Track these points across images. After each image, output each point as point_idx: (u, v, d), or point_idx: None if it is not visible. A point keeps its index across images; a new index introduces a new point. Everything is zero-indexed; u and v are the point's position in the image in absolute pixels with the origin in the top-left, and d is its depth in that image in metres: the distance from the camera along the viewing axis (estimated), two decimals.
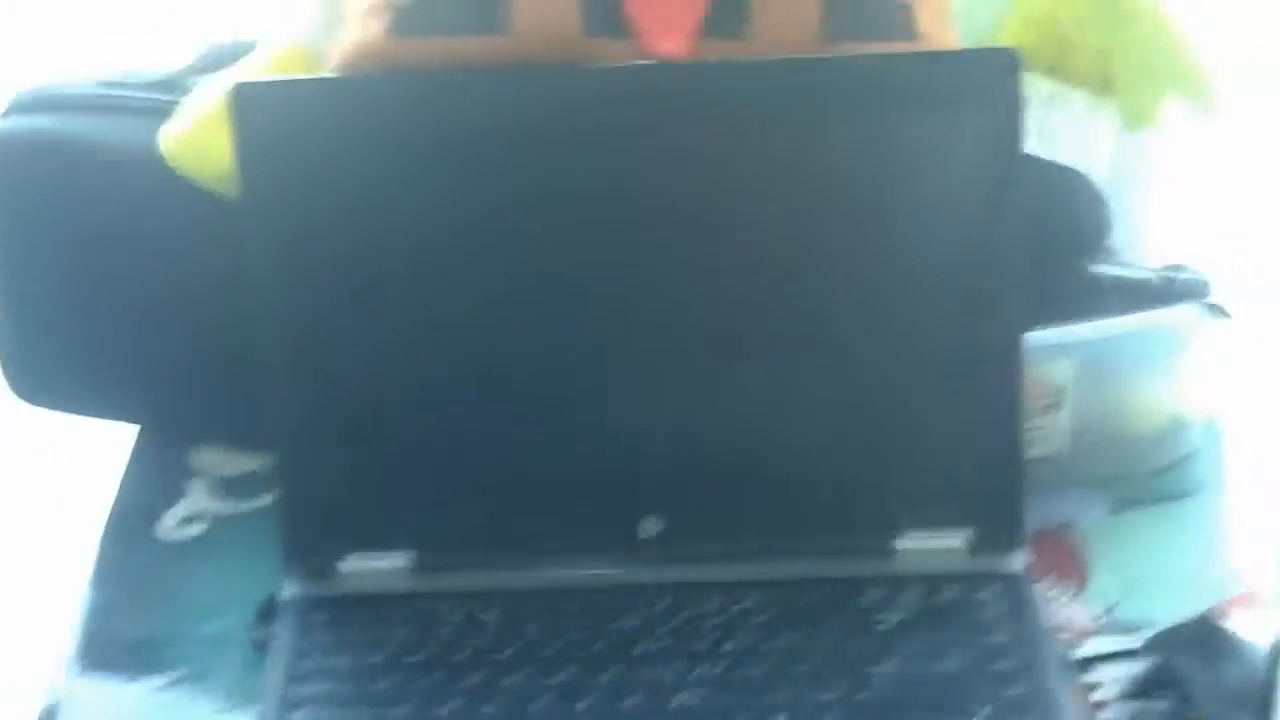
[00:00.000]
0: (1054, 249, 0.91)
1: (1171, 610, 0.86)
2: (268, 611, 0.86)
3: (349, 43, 0.85)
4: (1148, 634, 0.84)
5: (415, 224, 0.84)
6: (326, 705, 0.79)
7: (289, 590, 0.86)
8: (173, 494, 0.99)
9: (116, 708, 0.84)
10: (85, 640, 0.88)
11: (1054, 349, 0.89)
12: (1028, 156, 0.85)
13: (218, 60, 0.96)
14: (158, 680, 0.85)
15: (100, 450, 1.05)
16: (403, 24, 0.84)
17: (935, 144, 0.82)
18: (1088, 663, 0.83)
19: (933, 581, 0.84)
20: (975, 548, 0.85)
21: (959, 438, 0.85)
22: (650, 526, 0.86)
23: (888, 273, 0.84)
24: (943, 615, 0.82)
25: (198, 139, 0.88)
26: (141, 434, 1.03)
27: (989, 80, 0.81)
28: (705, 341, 0.85)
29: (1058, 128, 0.93)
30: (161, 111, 0.91)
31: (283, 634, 0.84)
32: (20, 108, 0.98)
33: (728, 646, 0.81)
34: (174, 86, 0.96)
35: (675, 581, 0.85)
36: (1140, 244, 0.99)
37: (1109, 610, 0.87)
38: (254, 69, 0.89)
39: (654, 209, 0.83)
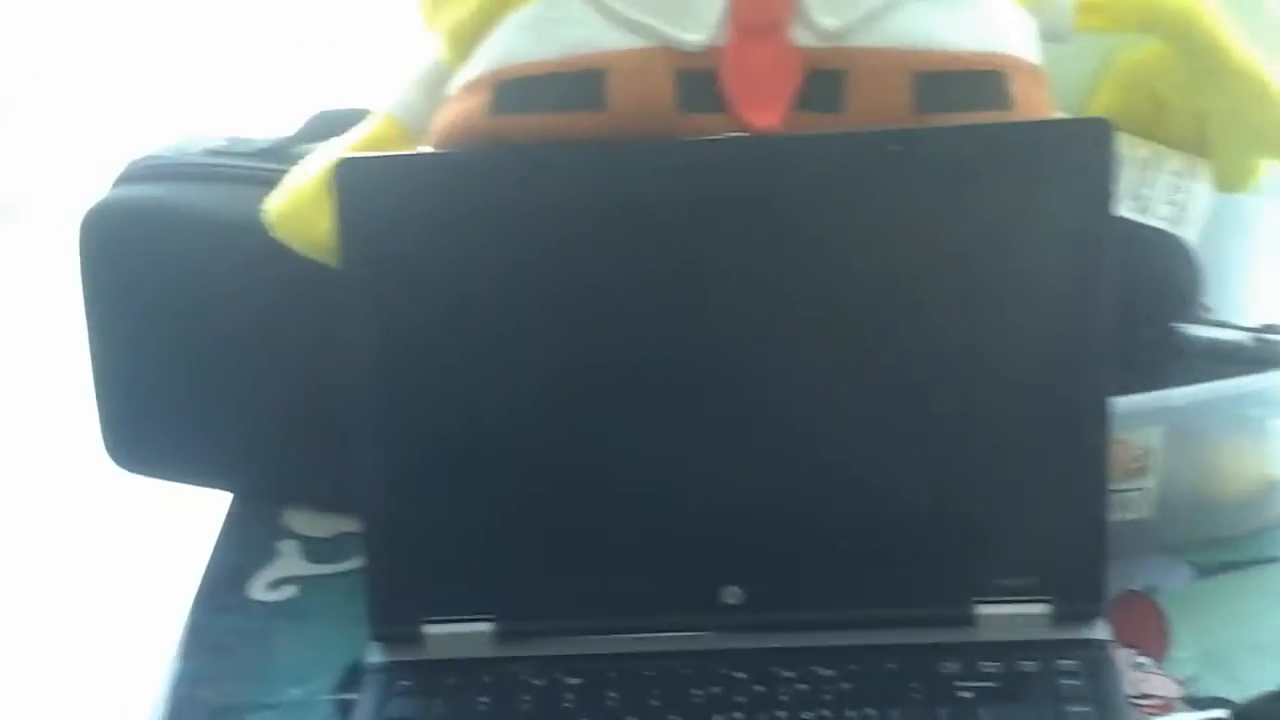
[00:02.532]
0: (1146, 311, 0.91)
1: (1255, 681, 0.84)
2: (352, 677, 0.87)
3: (449, 119, 0.87)
4: (1230, 706, 0.83)
5: (508, 297, 0.85)
6: None
7: (373, 656, 0.87)
8: (264, 557, 1.00)
9: None
10: (174, 706, 0.90)
11: (1144, 414, 0.88)
12: (1120, 218, 0.85)
13: (322, 130, 0.98)
14: None
15: (198, 519, 1.07)
16: (502, 102, 0.85)
17: (1027, 212, 0.82)
18: None
19: (1014, 650, 0.84)
20: (1057, 616, 0.85)
21: (1042, 504, 0.85)
22: (733, 594, 0.86)
23: (975, 339, 0.84)
24: (1022, 685, 0.82)
25: (300, 210, 0.90)
26: (235, 500, 1.05)
27: (1081, 149, 0.81)
28: (788, 410, 0.85)
29: (1152, 189, 0.92)
30: (267, 181, 0.93)
31: (366, 700, 0.85)
32: (130, 177, 1.01)
33: (806, 716, 0.81)
34: (280, 155, 0.98)
35: (755, 649, 0.85)
36: (1235, 306, 0.98)
37: (1191, 680, 0.86)
38: (353, 143, 0.91)
39: (744, 279, 0.84)
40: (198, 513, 1.06)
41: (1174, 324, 0.93)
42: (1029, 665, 0.83)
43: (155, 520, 1.44)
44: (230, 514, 1.04)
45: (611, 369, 0.86)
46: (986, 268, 0.83)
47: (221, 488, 1.06)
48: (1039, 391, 0.84)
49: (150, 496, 1.10)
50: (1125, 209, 0.91)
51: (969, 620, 0.85)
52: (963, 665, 0.83)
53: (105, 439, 1.04)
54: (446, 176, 0.86)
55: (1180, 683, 0.86)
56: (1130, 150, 0.92)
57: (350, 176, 0.84)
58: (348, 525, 0.99)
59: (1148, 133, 0.95)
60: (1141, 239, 0.92)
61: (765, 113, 0.84)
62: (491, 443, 0.87)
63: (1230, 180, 0.95)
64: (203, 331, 0.99)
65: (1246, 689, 0.83)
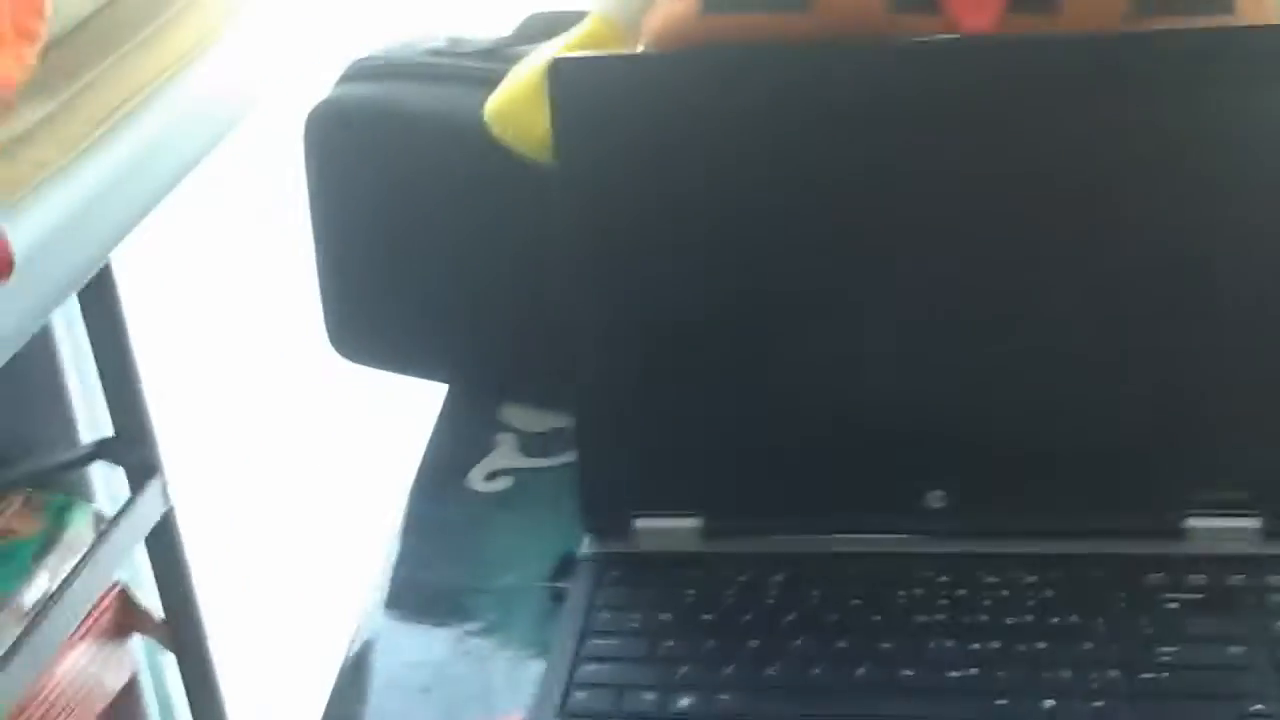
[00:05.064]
0: None
1: None
2: (564, 567, 0.90)
3: (660, 20, 0.88)
4: None
5: (719, 195, 0.86)
6: (616, 660, 0.82)
7: (585, 547, 0.90)
8: (481, 449, 1.03)
9: (422, 650, 0.89)
10: (394, 586, 0.94)
11: None
12: None
13: (539, 30, 1.00)
14: (460, 628, 0.90)
15: (416, 407, 1.10)
16: (713, 2, 0.86)
17: (1253, 120, 0.81)
18: None
19: (1222, 563, 0.83)
20: (1268, 530, 0.84)
21: (1257, 417, 0.84)
22: (937, 498, 0.87)
23: (1199, 248, 0.83)
24: (1229, 599, 0.81)
25: (517, 109, 0.92)
26: (452, 392, 1.08)
27: None
28: (1005, 312, 0.85)
29: None
30: (486, 81, 0.95)
31: (578, 589, 0.87)
32: (354, 75, 1.04)
33: (1008, 621, 0.81)
34: (497, 55, 1.00)
35: (959, 553, 0.86)
36: None
37: None
38: (569, 43, 0.92)
39: (953, 184, 0.84)
40: (417, 403, 1.10)
41: None
42: (1237, 579, 0.82)
43: (376, 408, 1.48)
44: (447, 405, 1.07)
45: (823, 271, 0.86)
46: (1209, 178, 0.83)
47: (439, 379, 1.09)
48: (1263, 302, 0.83)
49: (372, 385, 1.13)
50: None
51: (1177, 532, 0.85)
52: (1170, 577, 0.83)
53: (328, 329, 1.07)
54: (658, 77, 0.87)
55: None
56: None
57: (565, 77, 0.86)
58: (562, 421, 1.02)
59: None
60: None
61: (978, 14, 0.83)
62: (703, 341, 0.88)
63: None
64: (422, 227, 1.02)
65: None
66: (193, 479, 1.52)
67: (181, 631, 1.50)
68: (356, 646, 0.90)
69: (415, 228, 1.02)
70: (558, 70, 0.86)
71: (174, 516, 1.42)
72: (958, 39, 0.84)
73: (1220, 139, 0.82)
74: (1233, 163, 0.82)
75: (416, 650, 0.89)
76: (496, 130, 0.93)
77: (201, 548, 1.49)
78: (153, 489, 1.38)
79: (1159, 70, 0.82)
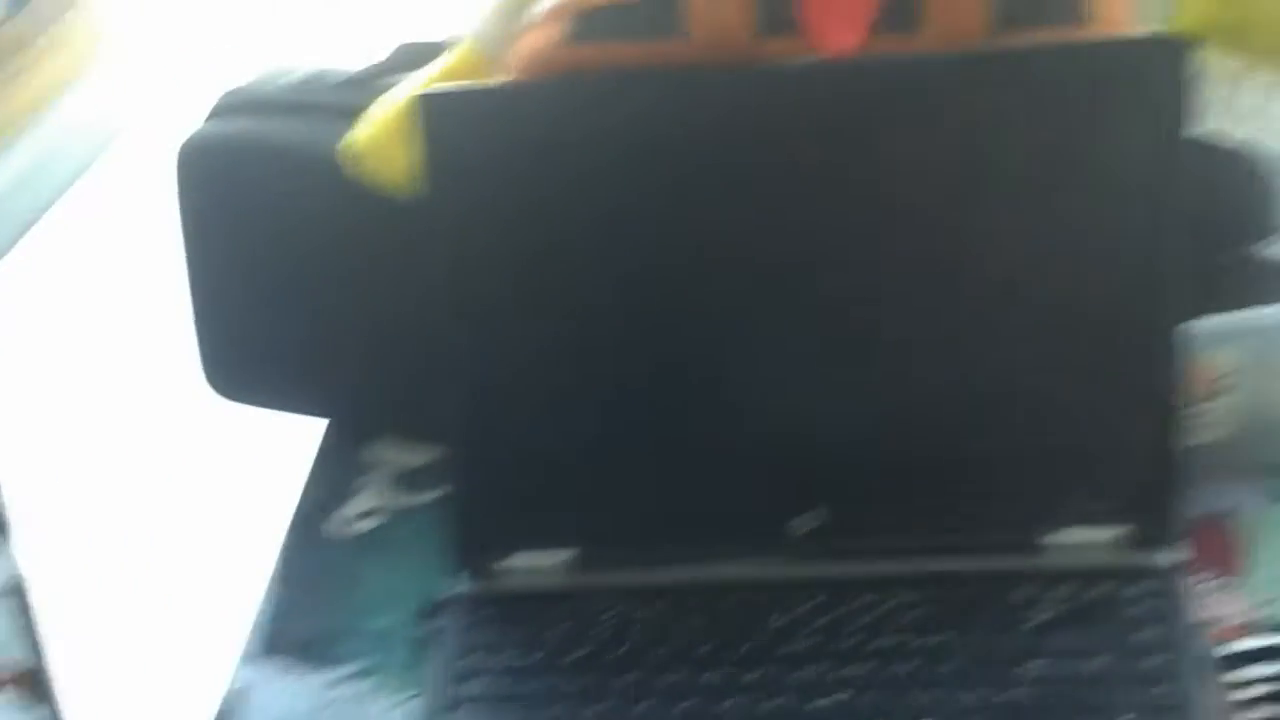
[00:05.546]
0: (1222, 233, 0.90)
1: None
2: (437, 606, 0.89)
3: (528, 48, 0.88)
4: None
5: (590, 224, 0.86)
6: (485, 703, 0.82)
7: (454, 587, 0.89)
8: (353, 488, 1.03)
9: (294, 699, 0.88)
10: (266, 634, 0.93)
11: (1220, 335, 0.88)
12: (1196, 140, 0.84)
13: (406, 61, 0.99)
14: (332, 674, 0.89)
15: (293, 447, 1.09)
16: (582, 31, 0.86)
17: (1099, 134, 0.82)
18: (1236, 660, 0.82)
19: (1084, 577, 0.84)
20: (1129, 543, 0.85)
21: (1115, 430, 0.85)
22: (803, 523, 0.87)
23: (1048, 261, 0.84)
24: (1091, 612, 0.82)
25: (378, 144, 0.91)
26: (329, 429, 1.08)
27: (1154, 71, 0.81)
28: (861, 336, 0.86)
29: (1241, 104, 0.91)
30: (353, 113, 0.94)
31: (446, 631, 0.87)
32: (223, 111, 1.03)
33: (875, 645, 0.82)
34: (365, 87, 0.99)
35: (827, 578, 0.86)
36: None
37: (1263, 604, 0.86)
38: (434, 75, 0.92)
39: (822, 203, 0.84)
40: (293, 438, 1.09)
41: (1251, 246, 0.92)
42: (1097, 593, 0.83)
43: (252, 445, 1.47)
44: (322, 445, 1.07)
45: (694, 298, 0.86)
46: (1060, 187, 0.83)
47: (317, 414, 1.09)
48: (1111, 316, 0.84)
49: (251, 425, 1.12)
50: (1212, 123, 0.89)
51: (1041, 547, 0.85)
52: (1033, 593, 0.83)
53: (204, 366, 1.06)
54: (527, 107, 0.87)
55: (1255, 607, 0.86)
56: (1217, 66, 0.90)
57: (434, 110, 0.86)
58: (434, 454, 1.01)
59: (1233, 47, 0.93)
60: (1219, 160, 0.90)
61: (843, 35, 0.83)
62: (570, 374, 0.88)
63: None
64: (295, 262, 1.01)
65: None
66: (50, 531, 1.49)
67: (35, 690, 1.47)
68: (227, 700, 0.89)
69: (288, 262, 1.01)
70: (427, 104, 0.86)
71: (24, 575, 1.39)
72: (823, 61, 0.84)
73: (1079, 156, 0.82)
74: (1091, 179, 0.83)
75: (288, 700, 0.88)
76: (353, 166, 0.92)
77: (61, 602, 1.46)
78: (2, 548, 1.35)
79: (1023, 85, 0.82)
